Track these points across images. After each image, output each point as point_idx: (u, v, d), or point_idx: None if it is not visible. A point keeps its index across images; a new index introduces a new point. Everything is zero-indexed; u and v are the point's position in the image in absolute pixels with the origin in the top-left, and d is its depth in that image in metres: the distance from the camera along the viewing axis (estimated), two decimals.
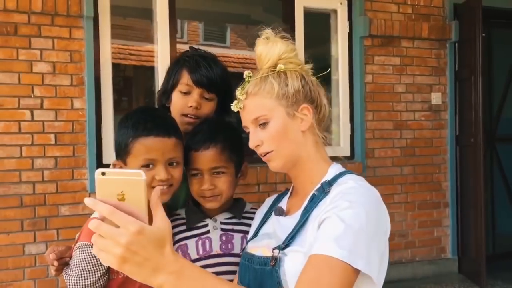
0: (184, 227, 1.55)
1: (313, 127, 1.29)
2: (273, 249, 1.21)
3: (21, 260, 3.42)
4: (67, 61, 3.55)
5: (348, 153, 4.48)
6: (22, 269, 3.42)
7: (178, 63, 1.74)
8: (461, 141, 4.76)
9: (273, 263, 1.18)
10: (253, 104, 1.28)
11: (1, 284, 3.37)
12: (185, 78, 1.68)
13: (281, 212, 1.33)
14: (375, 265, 1.10)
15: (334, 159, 1.37)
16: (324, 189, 1.22)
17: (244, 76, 1.32)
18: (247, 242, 1.40)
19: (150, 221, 0.93)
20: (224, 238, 1.52)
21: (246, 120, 1.31)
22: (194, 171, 1.52)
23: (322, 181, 1.25)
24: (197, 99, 1.67)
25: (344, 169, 1.30)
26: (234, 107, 1.32)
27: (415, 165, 4.65)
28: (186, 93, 1.69)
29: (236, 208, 1.59)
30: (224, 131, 1.57)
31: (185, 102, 1.68)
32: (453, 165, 4.77)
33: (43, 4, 3.43)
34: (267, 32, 1.31)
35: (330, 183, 1.23)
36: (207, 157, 1.50)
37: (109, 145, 3.61)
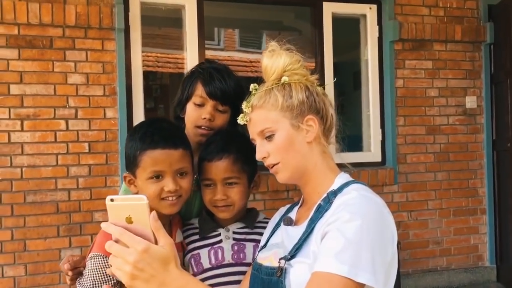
0: (197, 237, 1.58)
1: (319, 137, 1.30)
2: (280, 259, 1.22)
3: (57, 265, 3.56)
4: (100, 72, 3.68)
5: (379, 159, 4.42)
6: (58, 273, 3.56)
7: (192, 75, 1.76)
8: (498, 146, 4.62)
9: (279, 274, 1.20)
10: (258, 117, 1.31)
11: None
12: (199, 90, 1.71)
13: (289, 222, 1.35)
14: (380, 276, 1.08)
15: (341, 167, 1.38)
16: (330, 199, 1.22)
17: (250, 89, 1.35)
18: (258, 252, 1.40)
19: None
20: (236, 247, 1.54)
21: (253, 133, 1.34)
22: (207, 182, 1.55)
23: (328, 191, 1.26)
24: (210, 111, 1.69)
25: (350, 179, 1.31)
26: (240, 120, 1.35)
27: (450, 171, 4.54)
28: (200, 105, 1.71)
29: (249, 218, 1.61)
30: (237, 142, 1.59)
31: (199, 114, 1.70)
32: (490, 170, 4.63)
33: (77, 18, 3.57)
34: (272, 44, 1.33)
35: (335, 193, 1.23)
36: (220, 167, 1.52)
37: None
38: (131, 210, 0.99)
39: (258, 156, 1.32)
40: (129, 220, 0.99)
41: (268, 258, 1.30)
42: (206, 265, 1.52)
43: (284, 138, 1.28)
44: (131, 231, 0.98)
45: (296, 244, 1.22)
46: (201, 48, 3.98)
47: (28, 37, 3.54)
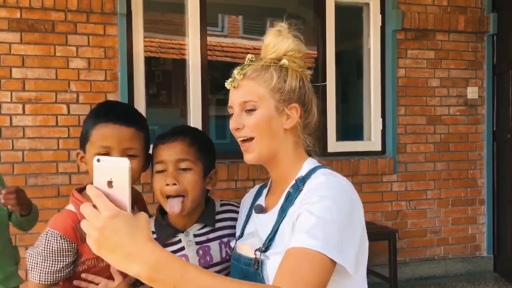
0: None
1: (297, 128, 1.29)
2: (255, 251, 1.23)
3: None
4: (102, 57, 3.68)
5: (379, 148, 4.44)
6: None
7: None
8: (498, 137, 4.62)
9: (256, 266, 1.21)
10: (247, 87, 1.28)
11: None
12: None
13: (260, 210, 1.34)
14: (349, 257, 1.11)
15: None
16: (299, 186, 1.24)
17: (247, 59, 1.31)
18: (236, 241, 1.39)
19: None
20: (201, 252, 1.46)
21: (234, 100, 1.30)
22: (159, 166, 1.45)
23: (296, 177, 1.26)
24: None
25: (318, 164, 1.31)
26: (228, 84, 1.31)
27: (449, 161, 4.55)
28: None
29: (207, 215, 1.50)
30: (194, 130, 1.57)
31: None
32: (489, 161, 4.64)
33: (79, 2, 3.56)
34: (282, 25, 1.30)
35: (303, 179, 1.24)
36: (173, 148, 1.44)
37: None
38: (113, 173, 0.92)
39: (232, 125, 1.29)
40: (110, 184, 0.92)
41: (245, 248, 1.31)
42: None
43: (264, 117, 1.26)
44: (109, 196, 0.91)
45: (269, 234, 1.23)
46: (203, 34, 3.97)
47: (30, 20, 3.53)
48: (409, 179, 4.43)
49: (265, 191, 1.40)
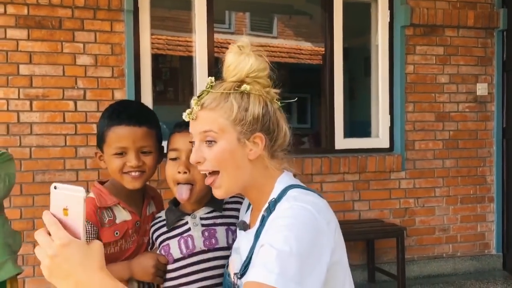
0: (165, 229, 1.53)
1: (262, 157, 1.24)
2: (234, 274, 1.24)
3: None
4: (108, 53, 3.68)
5: (387, 145, 4.41)
6: None
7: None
8: (508, 134, 4.57)
9: None
10: (206, 117, 1.21)
11: None
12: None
13: (244, 227, 1.32)
14: (310, 286, 1.06)
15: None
16: (271, 210, 1.20)
17: (206, 83, 1.25)
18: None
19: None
20: (206, 233, 1.49)
21: (194, 131, 1.25)
22: (173, 154, 1.49)
23: (269, 199, 1.23)
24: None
25: (290, 182, 1.25)
26: (186, 116, 1.25)
27: (458, 158, 4.51)
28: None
29: (215, 201, 1.50)
30: None
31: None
32: (499, 158, 4.59)
33: None
34: (244, 41, 1.23)
35: (275, 202, 1.20)
36: (187, 137, 1.41)
37: None
38: (68, 201, 0.93)
39: (193, 159, 1.25)
40: (65, 212, 0.93)
41: (231, 265, 1.32)
42: (177, 255, 1.48)
43: (225, 150, 1.20)
44: (64, 223, 0.92)
45: (245, 260, 1.22)
46: (210, 31, 3.96)
47: (38, 17, 3.54)
48: (417, 176, 4.40)
49: (250, 209, 1.37)
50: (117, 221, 1.53)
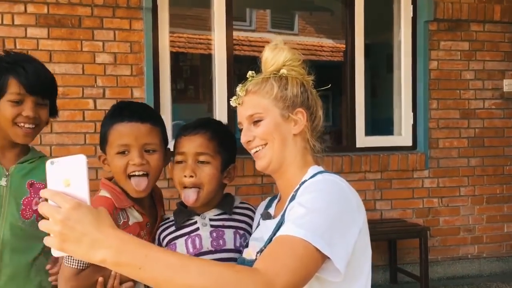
0: (173, 228, 1.52)
1: (305, 132, 1.32)
2: (257, 252, 1.24)
3: None
4: (127, 52, 3.68)
5: (410, 143, 4.32)
6: None
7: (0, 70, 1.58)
8: None
9: None
10: (251, 101, 1.32)
11: None
12: (15, 87, 1.55)
13: (268, 217, 1.36)
14: (338, 250, 1.09)
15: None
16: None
17: (248, 75, 1.36)
18: (243, 248, 1.41)
19: None
20: (215, 234, 1.47)
21: (242, 116, 1.34)
22: (179, 157, 1.49)
23: (301, 181, 1.27)
24: (32, 107, 1.57)
25: (323, 169, 1.31)
26: (232, 102, 1.36)
27: (484, 157, 4.39)
28: (18, 102, 1.56)
29: (225, 203, 1.53)
30: (216, 124, 1.57)
31: (18, 112, 1.56)
32: None
33: None
34: (278, 39, 1.36)
35: (307, 181, 1.25)
36: (194, 141, 1.48)
37: (167, 132, 3.70)
38: (69, 172, 0.93)
39: (243, 139, 1.33)
40: (66, 183, 0.93)
41: (249, 252, 1.33)
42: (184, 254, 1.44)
43: (271, 124, 1.30)
44: (67, 194, 0.93)
45: (270, 235, 1.24)
46: (229, 28, 3.93)
47: (57, 16, 3.55)
48: (441, 175, 4.30)
49: (275, 202, 1.42)
50: (130, 223, 1.47)
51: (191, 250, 1.46)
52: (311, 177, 1.25)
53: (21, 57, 1.64)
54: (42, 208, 0.93)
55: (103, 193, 1.45)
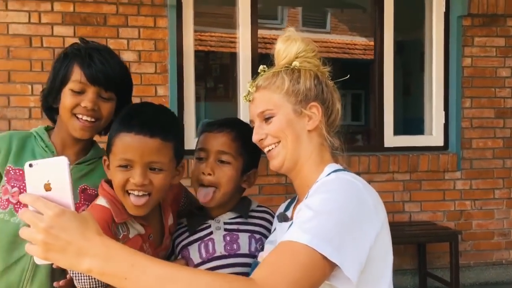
0: (187, 234, 1.46)
1: (321, 128, 1.25)
2: None
3: None
4: (152, 49, 3.68)
5: (441, 143, 4.17)
6: None
7: (66, 57, 1.48)
8: None
9: None
10: (261, 97, 1.27)
11: None
12: (78, 75, 1.43)
13: (285, 219, 1.31)
14: (348, 257, 1.00)
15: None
16: None
17: (259, 70, 1.31)
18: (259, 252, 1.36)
19: None
20: (228, 238, 1.42)
21: (253, 113, 1.29)
22: (201, 153, 1.44)
23: (316, 180, 1.21)
24: (93, 98, 1.42)
25: (340, 167, 1.24)
26: (244, 98, 1.32)
27: None
28: (79, 92, 1.43)
29: (242, 207, 1.47)
30: (242, 126, 1.48)
31: (78, 102, 1.43)
32: None
33: None
34: (290, 30, 1.30)
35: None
36: (217, 139, 1.42)
37: (190, 130, 3.69)
38: (50, 174, 0.89)
39: (255, 138, 1.28)
40: (47, 187, 0.89)
41: (263, 256, 1.25)
42: (196, 260, 1.40)
43: (283, 121, 1.24)
44: (48, 199, 0.88)
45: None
46: (254, 26, 3.88)
47: (83, 14, 3.58)
48: (474, 177, 4.13)
49: (294, 203, 1.36)
50: (131, 236, 1.33)
51: (204, 255, 1.40)
52: (326, 176, 1.19)
53: (92, 46, 1.51)
54: (23, 215, 0.88)
55: (101, 201, 1.32)
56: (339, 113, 1.30)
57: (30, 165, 0.90)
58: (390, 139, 4.09)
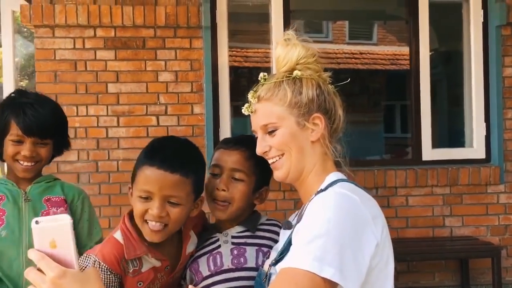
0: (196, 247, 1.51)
1: (324, 138, 1.25)
2: (270, 264, 1.21)
3: None
4: (188, 69, 3.81)
5: (483, 156, 4.05)
6: None
7: (3, 110, 1.71)
8: None
9: (265, 279, 1.18)
10: (263, 109, 1.26)
11: None
12: (14, 128, 1.67)
13: (288, 226, 1.30)
14: (350, 275, 1.01)
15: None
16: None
17: (259, 78, 1.30)
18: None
19: None
20: (235, 251, 1.45)
21: (256, 125, 1.29)
22: (215, 169, 1.48)
23: (317, 190, 1.21)
24: (30, 147, 1.68)
25: (341, 177, 1.23)
26: (245, 110, 1.31)
27: None
28: (18, 142, 1.69)
29: (250, 221, 1.51)
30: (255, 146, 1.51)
31: (18, 151, 1.69)
32: None
33: (166, 18, 3.74)
34: (289, 33, 1.28)
35: (321, 191, 1.19)
36: (232, 156, 1.46)
37: None
38: (54, 233, 0.91)
39: (259, 150, 1.28)
40: (53, 245, 0.91)
41: (267, 263, 1.28)
42: (205, 272, 1.44)
43: (287, 134, 1.24)
44: (54, 257, 0.90)
45: (282, 248, 1.19)
46: None
47: (123, 38, 3.77)
48: None
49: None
50: (143, 270, 1.38)
51: (212, 268, 1.44)
52: (327, 186, 1.20)
53: (26, 100, 1.72)
54: (28, 275, 0.92)
55: (117, 235, 1.38)
56: (341, 119, 1.30)
57: (37, 222, 0.92)
58: (428, 152, 4.01)
